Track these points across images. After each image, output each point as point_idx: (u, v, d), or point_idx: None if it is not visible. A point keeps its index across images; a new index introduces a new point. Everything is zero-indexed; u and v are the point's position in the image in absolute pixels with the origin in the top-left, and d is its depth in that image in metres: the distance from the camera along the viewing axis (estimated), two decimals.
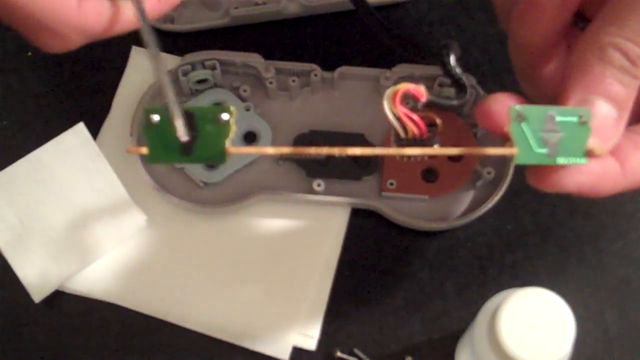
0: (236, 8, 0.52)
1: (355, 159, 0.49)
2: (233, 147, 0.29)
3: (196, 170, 0.48)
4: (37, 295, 0.47)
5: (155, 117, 0.29)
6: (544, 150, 0.29)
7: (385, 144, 0.49)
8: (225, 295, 0.48)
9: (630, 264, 0.48)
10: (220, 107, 0.29)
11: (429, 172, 0.48)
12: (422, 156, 0.31)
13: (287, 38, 0.53)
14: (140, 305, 0.48)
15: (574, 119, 0.29)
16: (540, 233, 0.49)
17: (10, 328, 0.48)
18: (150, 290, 0.48)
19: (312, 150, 0.30)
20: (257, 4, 0.52)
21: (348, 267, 0.48)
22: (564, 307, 0.35)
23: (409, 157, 0.31)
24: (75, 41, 0.35)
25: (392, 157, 0.48)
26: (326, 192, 0.48)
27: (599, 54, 0.30)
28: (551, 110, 0.29)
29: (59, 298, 0.48)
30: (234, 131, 0.29)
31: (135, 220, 0.48)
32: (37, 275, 0.47)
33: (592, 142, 0.30)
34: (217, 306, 0.47)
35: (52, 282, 0.47)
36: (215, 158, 0.29)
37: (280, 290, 0.48)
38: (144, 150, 0.30)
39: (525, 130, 0.29)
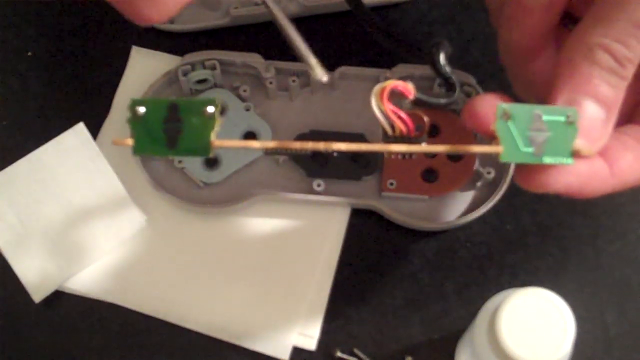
0: (236, 8, 0.52)
1: (355, 159, 0.49)
2: (218, 140, 0.29)
3: (196, 170, 0.48)
4: (37, 295, 0.47)
5: (141, 109, 0.29)
6: (530, 149, 0.29)
7: None
8: (225, 295, 0.48)
9: (629, 264, 0.48)
10: (206, 99, 0.29)
11: (429, 172, 0.48)
12: (414, 155, 0.31)
13: None
14: (140, 305, 0.48)
15: (561, 118, 0.29)
16: (540, 233, 0.49)
17: (10, 328, 0.48)
18: (150, 290, 0.48)
19: (297, 145, 0.30)
20: (257, 4, 0.52)
21: (348, 267, 0.48)
22: (564, 307, 0.35)
23: (397, 154, 0.31)
24: (176, 6, 0.32)
25: (392, 157, 0.48)
26: (326, 192, 0.48)
27: (586, 55, 0.30)
28: (538, 109, 0.29)
29: (59, 298, 0.48)
30: (219, 124, 0.29)
31: (135, 220, 0.48)
32: (37, 275, 0.47)
33: (579, 143, 0.30)
34: (217, 306, 0.47)
35: (52, 282, 0.47)
36: (199, 151, 0.29)
37: (280, 290, 0.48)
38: (130, 141, 0.30)
39: (512, 129, 0.29)
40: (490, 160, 0.48)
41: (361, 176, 0.48)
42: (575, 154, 0.30)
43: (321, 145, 0.29)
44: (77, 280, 0.48)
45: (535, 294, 0.35)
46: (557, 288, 0.37)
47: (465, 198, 0.48)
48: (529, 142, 0.29)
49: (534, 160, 0.29)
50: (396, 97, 0.30)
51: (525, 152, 0.29)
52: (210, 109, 0.29)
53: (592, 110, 0.30)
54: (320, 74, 0.35)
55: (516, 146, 0.29)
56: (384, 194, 0.48)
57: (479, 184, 0.48)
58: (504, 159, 0.29)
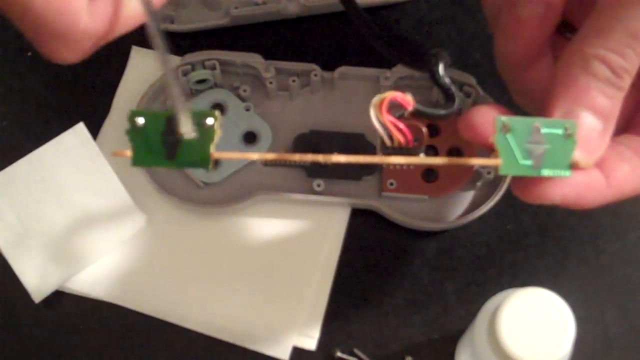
0: (236, 8, 0.52)
1: None
2: (217, 152, 0.29)
3: (196, 171, 0.48)
4: (37, 295, 0.47)
5: (140, 120, 0.29)
6: (528, 162, 0.29)
7: None
8: (225, 296, 0.48)
9: (629, 264, 0.48)
10: (205, 111, 0.29)
11: (429, 172, 0.48)
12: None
13: (287, 38, 0.53)
14: (140, 305, 0.48)
15: (560, 131, 0.29)
16: (540, 233, 0.49)
17: (10, 328, 0.48)
18: (150, 290, 0.48)
19: (297, 157, 0.30)
20: (257, 4, 0.52)
21: (348, 267, 0.48)
22: (564, 307, 0.35)
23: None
24: (87, 48, 0.33)
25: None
26: (326, 192, 0.48)
27: (583, 66, 0.30)
28: (537, 121, 0.29)
29: (59, 298, 0.48)
30: (218, 136, 0.29)
31: (135, 221, 0.48)
32: (37, 275, 0.47)
33: (577, 155, 0.30)
34: (217, 306, 0.47)
35: (52, 282, 0.47)
36: (199, 163, 0.29)
37: (280, 290, 0.48)
38: (128, 153, 0.30)
39: (510, 141, 0.29)
40: None
41: (361, 176, 0.48)
42: (573, 166, 0.30)
43: (320, 158, 0.29)
44: (77, 280, 0.48)
45: (535, 294, 0.35)
46: (557, 288, 0.37)
47: (465, 198, 0.48)
48: (528, 154, 0.29)
49: (533, 172, 0.29)
50: (395, 106, 0.30)
51: (523, 164, 0.29)
52: (210, 120, 0.29)
53: (590, 122, 0.30)
54: (186, 131, 0.29)
55: (515, 159, 0.29)
56: (384, 194, 0.48)
57: (479, 184, 0.48)
58: (502, 171, 0.29)
